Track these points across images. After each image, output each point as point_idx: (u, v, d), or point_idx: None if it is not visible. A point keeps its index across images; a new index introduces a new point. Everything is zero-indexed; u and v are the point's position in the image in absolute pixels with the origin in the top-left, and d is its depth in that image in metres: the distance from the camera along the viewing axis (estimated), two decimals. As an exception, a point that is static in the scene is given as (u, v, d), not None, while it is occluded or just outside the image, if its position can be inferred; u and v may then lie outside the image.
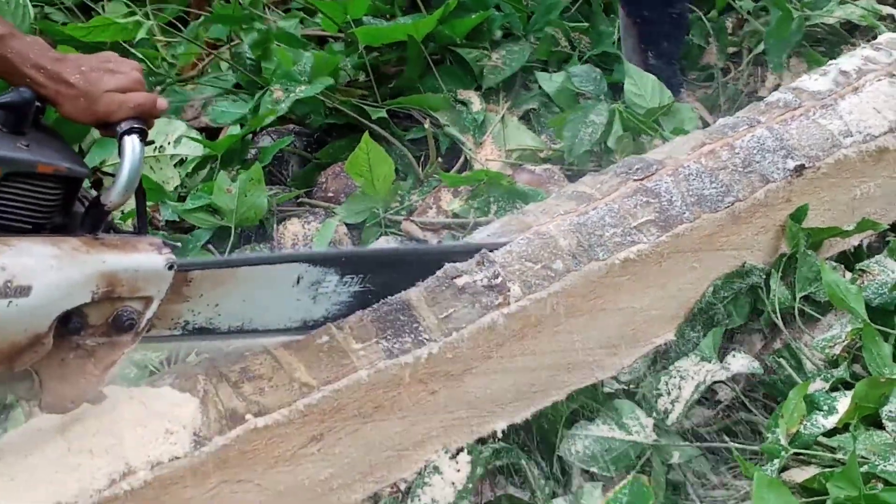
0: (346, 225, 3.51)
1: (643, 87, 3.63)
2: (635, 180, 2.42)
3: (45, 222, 1.76)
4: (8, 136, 1.70)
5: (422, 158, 3.82)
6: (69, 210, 1.80)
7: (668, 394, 2.38)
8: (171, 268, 1.84)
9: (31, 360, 1.75)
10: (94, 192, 1.83)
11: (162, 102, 1.87)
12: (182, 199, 3.66)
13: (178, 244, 1.88)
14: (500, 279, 2.19)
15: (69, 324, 1.78)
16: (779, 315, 2.48)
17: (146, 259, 1.81)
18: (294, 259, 2.07)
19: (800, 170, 2.51)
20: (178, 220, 3.62)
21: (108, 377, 1.85)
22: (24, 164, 1.69)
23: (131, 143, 1.79)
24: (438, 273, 2.19)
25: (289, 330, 2.08)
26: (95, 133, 3.81)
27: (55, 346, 1.76)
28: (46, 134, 1.78)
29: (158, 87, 4.21)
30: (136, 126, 1.80)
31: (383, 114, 3.80)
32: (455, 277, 2.18)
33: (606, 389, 2.47)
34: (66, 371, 1.80)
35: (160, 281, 1.83)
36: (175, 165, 3.82)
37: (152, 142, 1.84)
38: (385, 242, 3.40)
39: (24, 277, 1.67)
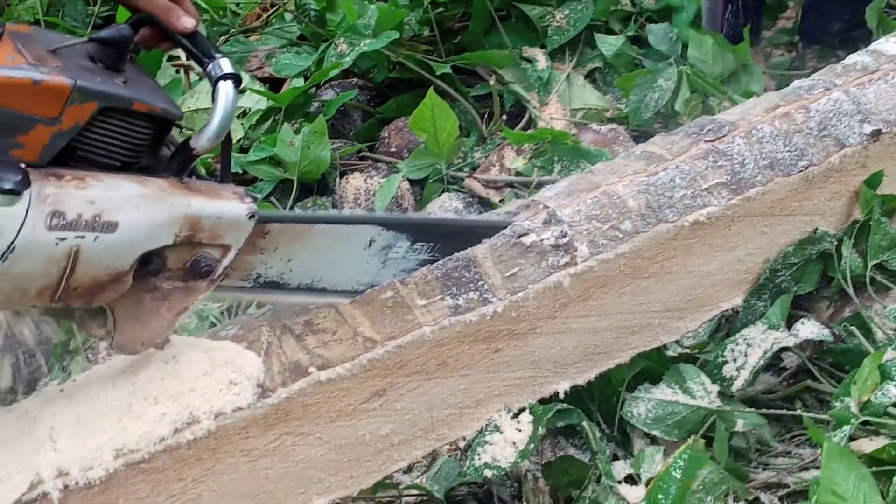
0: (409, 180, 3.51)
1: (704, 51, 3.59)
2: (707, 141, 2.38)
3: (133, 161, 1.74)
4: (106, 71, 1.68)
5: (485, 115, 3.80)
6: (157, 152, 1.78)
7: (734, 361, 2.34)
8: (252, 217, 1.82)
9: (110, 298, 1.75)
10: (179, 138, 1.82)
11: (188, 21, 1.82)
12: (245, 150, 3.67)
13: (259, 195, 1.87)
14: (567, 239, 2.16)
15: (149, 265, 1.77)
16: (849, 283, 2.43)
17: (229, 207, 1.80)
18: (369, 221, 2.05)
19: (876, 135, 2.45)
20: (240, 171, 3.63)
21: (179, 322, 1.85)
22: (121, 100, 1.67)
23: (225, 89, 1.77)
24: (505, 231, 2.16)
25: (356, 292, 2.06)
26: (164, 78, 3.86)
27: (132, 286, 1.76)
28: (141, 73, 1.77)
29: (222, 37, 4.22)
30: (231, 73, 1.78)
31: (448, 69, 3.78)
32: (522, 235, 2.15)
33: (669, 353, 2.45)
34: (140, 312, 1.80)
35: (240, 230, 1.82)
36: (238, 117, 3.82)
37: (245, 90, 1.82)
38: (447, 199, 3.39)
39: (112, 213, 1.67)
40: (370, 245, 2.03)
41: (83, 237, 1.65)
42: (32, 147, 1.62)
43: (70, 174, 1.65)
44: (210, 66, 1.80)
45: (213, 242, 1.81)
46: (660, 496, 1.94)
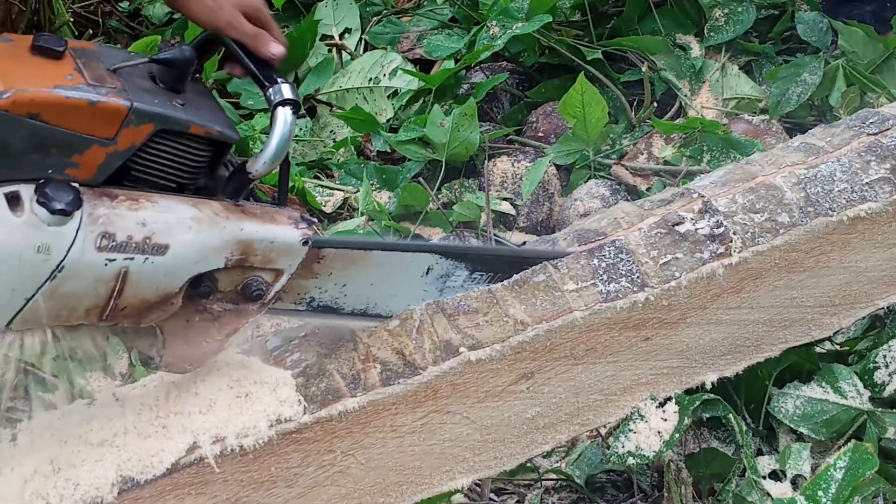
0: (556, 166, 3.51)
1: (854, 42, 3.52)
2: (869, 135, 2.32)
3: (189, 183, 1.75)
4: (165, 92, 1.69)
5: (635, 102, 3.77)
6: (214, 173, 1.79)
7: (886, 367, 2.30)
8: (306, 243, 1.81)
9: (158, 319, 1.76)
10: (239, 159, 1.81)
11: (276, 48, 1.83)
12: (394, 130, 3.71)
13: (316, 220, 1.86)
14: (722, 229, 2.13)
15: (199, 287, 1.77)
16: None
17: (283, 232, 1.79)
18: (428, 249, 2.03)
19: None
20: (389, 150, 3.67)
21: (230, 343, 1.85)
22: (178, 122, 1.68)
23: (284, 115, 1.76)
24: (658, 220, 2.14)
25: None
26: (316, 57, 3.92)
27: (182, 307, 1.77)
28: (202, 94, 1.77)
29: (374, 18, 4.26)
30: (290, 99, 1.77)
31: (599, 55, 3.75)
32: (676, 224, 2.13)
33: (817, 349, 2.41)
34: (189, 333, 1.80)
35: (293, 255, 1.81)
36: (388, 97, 3.86)
37: (304, 115, 1.80)
38: (594, 186, 3.38)
39: (163, 236, 1.67)
40: (427, 273, 2.01)
41: (132, 259, 1.66)
42: (87, 167, 1.63)
43: (124, 194, 1.66)
44: (270, 90, 1.79)
45: (265, 266, 1.80)
46: (819, 493, 1.90)
